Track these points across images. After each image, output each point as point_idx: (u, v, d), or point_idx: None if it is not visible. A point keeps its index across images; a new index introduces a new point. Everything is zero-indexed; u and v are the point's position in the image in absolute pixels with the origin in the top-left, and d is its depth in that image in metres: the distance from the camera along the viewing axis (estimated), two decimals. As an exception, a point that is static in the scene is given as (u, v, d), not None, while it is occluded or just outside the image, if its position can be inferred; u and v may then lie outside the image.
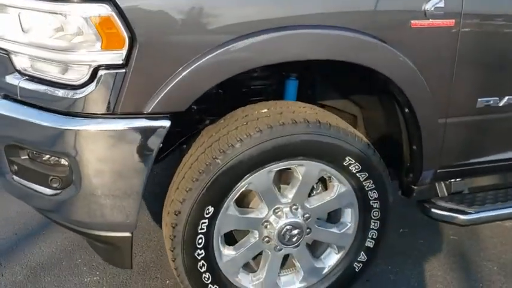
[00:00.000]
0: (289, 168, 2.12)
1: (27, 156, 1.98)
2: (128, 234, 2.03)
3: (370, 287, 2.58)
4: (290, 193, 2.15)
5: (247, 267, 2.28)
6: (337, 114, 2.29)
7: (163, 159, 2.48)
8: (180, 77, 1.82)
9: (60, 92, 1.83)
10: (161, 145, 1.90)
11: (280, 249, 2.20)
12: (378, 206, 2.24)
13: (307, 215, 2.18)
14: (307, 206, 2.18)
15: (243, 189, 2.06)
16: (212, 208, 2.01)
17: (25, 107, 1.89)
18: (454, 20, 2.07)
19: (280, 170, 2.09)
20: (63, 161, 1.90)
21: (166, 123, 1.87)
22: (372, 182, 2.18)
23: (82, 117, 1.83)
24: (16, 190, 2.08)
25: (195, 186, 1.97)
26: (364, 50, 2.01)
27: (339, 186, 2.19)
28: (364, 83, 2.28)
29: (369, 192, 2.20)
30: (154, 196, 2.97)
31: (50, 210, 2.11)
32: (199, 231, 2.03)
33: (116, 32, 1.73)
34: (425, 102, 2.17)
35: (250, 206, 2.21)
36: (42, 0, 1.75)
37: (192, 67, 1.82)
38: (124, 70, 1.77)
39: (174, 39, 1.81)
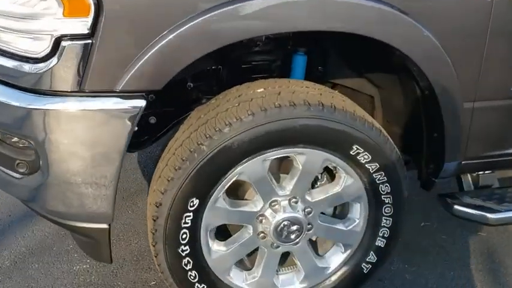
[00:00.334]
0: (289, 157, 1.90)
1: None
2: (104, 225, 1.87)
3: (382, 288, 2.38)
4: (289, 185, 1.93)
5: (241, 265, 2.09)
6: (352, 95, 2.09)
7: (156, 140, 2.30)
8: (155, 49, 1.62)
9: (25, 67, 1.67)
10: (136, 128, 1.71)
11: (278, 247, 2.00)
12: (391, 202, 2.02)
13: (308, 209, 1.97)
14: (309, 199, 1.96)
15: (234, 179, 1.85)
16: (197, 200, 1.82)
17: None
18: None
19: (279, 158, 1.88)
20: (29, 144, 1.74)
21: (141, 103, 1.68)
22: (383, 174, 1.95)
23: (47, 95, 1.66)
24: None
25: (177, 175, 1.78)
26: (380, 22, 1.79)
27: (345, 178, 1.96)
28: (382, 59, 2.05)
29: (380, 185, 1.97)
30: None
31: (25, 198, 1.97)
32: (183, 225, 1.85)
33: None
34: (449, 84, 1.95)
35: (245, 197, 2.01)
36: None
37: (170, 37, 1.61)
38: (90, 41, 1.59)
39: (148, 4, 1.60)
